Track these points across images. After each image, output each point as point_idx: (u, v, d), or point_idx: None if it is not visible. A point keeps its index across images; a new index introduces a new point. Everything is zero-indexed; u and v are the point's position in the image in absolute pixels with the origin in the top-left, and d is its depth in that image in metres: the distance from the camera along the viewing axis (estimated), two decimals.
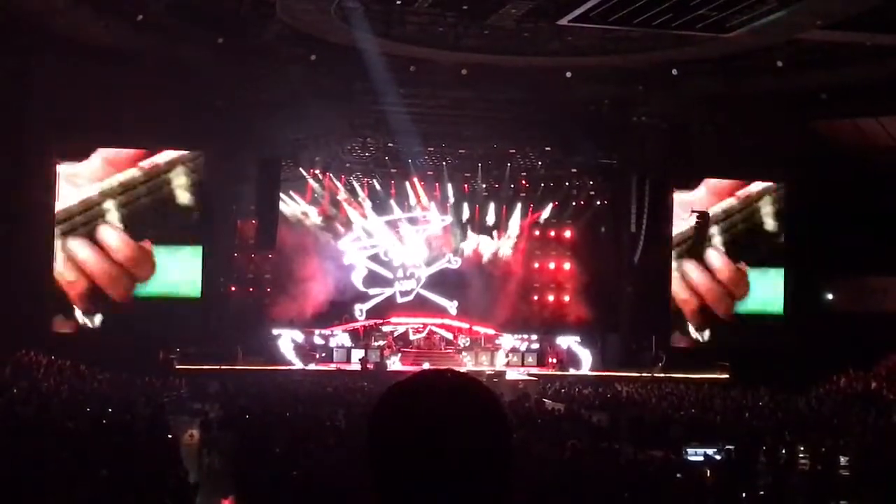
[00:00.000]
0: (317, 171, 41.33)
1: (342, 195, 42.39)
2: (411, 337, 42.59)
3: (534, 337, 42.88)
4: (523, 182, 43.62)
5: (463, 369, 39.32)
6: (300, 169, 40.95)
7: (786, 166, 41.53)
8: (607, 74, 37.14)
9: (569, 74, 37.68)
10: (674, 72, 37.75)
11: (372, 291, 43.08)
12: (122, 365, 32.42)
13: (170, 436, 22.98)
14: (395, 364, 39.29)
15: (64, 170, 37.49)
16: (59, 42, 33.30)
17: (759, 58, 36.13)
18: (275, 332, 39.65)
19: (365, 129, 40.39)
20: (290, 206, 41.81)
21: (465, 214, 43.86)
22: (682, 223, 43.42)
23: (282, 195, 40.19)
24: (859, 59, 35.82)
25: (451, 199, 43.28)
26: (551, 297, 45.66)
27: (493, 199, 43.92)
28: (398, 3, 32.94)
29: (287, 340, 39.54)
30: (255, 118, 37.30)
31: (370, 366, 38.49)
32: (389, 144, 40.81)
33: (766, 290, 43.92)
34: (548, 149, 41.86)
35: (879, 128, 40.34)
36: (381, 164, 41.72)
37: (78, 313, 38.06)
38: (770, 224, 43.87)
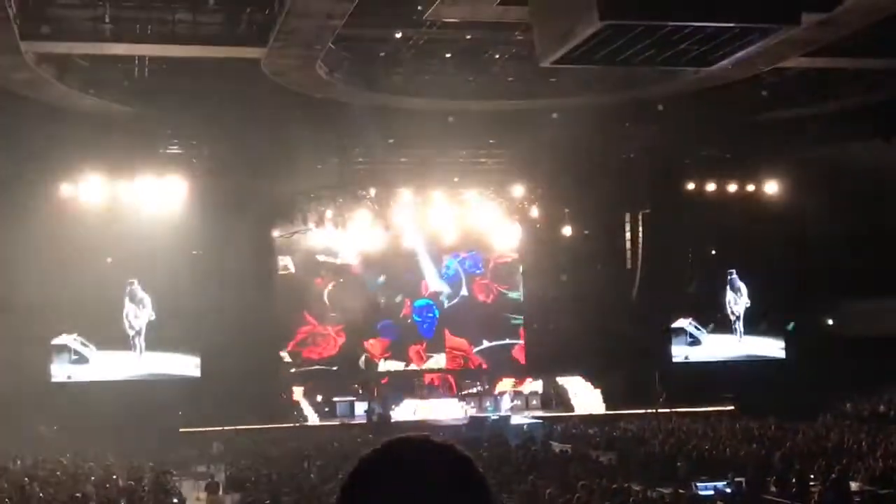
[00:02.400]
0: (310, 224, 41.37)
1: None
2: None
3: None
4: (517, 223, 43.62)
5: (468, 414, 39.37)
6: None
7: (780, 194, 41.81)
8: (594, 113, 37.28)
9: (555, 115, 37.87)
10: (659, 107, 37.94)
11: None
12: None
13: (176, 500, 22.83)
14: (398, 413, 39.15)
15: None
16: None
17: (743, 89, 36.33)
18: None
19: (355, 181, 40.47)
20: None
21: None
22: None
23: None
24: (841, 85, 36.07)
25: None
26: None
27: None
28: (382, 55, 33.14)
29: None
30: (247, 176, 37.57)
31: (374, 417, 38.34)
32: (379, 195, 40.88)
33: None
34: (539, 191, 41.94)
35: (863, 151, 40.51)
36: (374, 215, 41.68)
37: None
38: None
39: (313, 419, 39.10)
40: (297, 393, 40.66)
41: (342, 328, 42.61)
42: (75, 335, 39.21)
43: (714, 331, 45.30)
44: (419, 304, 44.00)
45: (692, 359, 44.67)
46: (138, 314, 40.48)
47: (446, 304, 44.04)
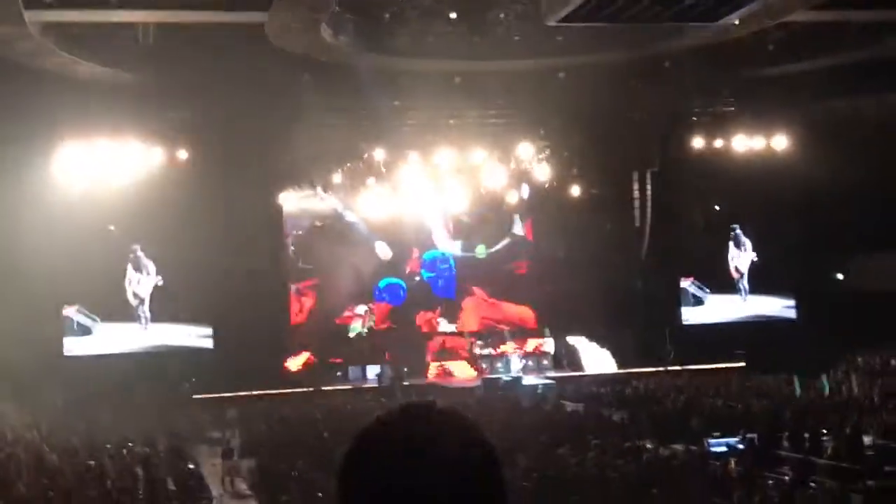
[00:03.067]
0: (318, 189, 41.30)
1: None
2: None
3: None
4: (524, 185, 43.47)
5: (480, 376, 39.49)
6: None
7: (790, 148, 41.64)
8: (600, 72, 37.08)
9: (562, 75, 37.70)
10: (666, 64, 37.74)
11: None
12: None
13: (192, 466, 22.98)
14: (411, 377, 39.25)
15: None
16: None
17: (750, 43, 36.09)
18: None
19: (362, 144, 40.36)
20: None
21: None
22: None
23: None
24: (848, 38, 35.83)
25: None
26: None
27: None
28: (386, 16, 32.97)
29: None
30: (254, 142, 37.51)
31: (384, 383, 38.43)
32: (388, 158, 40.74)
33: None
34: (547, 151, 41.81)
35: (872, 106, 40.29)
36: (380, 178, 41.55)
37: None
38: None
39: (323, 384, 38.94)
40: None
41: (311, 286, 42.27)
42: (77, 306, 38.88)
43: (717, 290, 45.03)
44: (429, 257, 43.51)
45: (694, 321, 44.33)
46: (142, 281, 40.05)
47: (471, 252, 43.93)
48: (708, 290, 44.93)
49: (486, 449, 1.96)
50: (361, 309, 42.36)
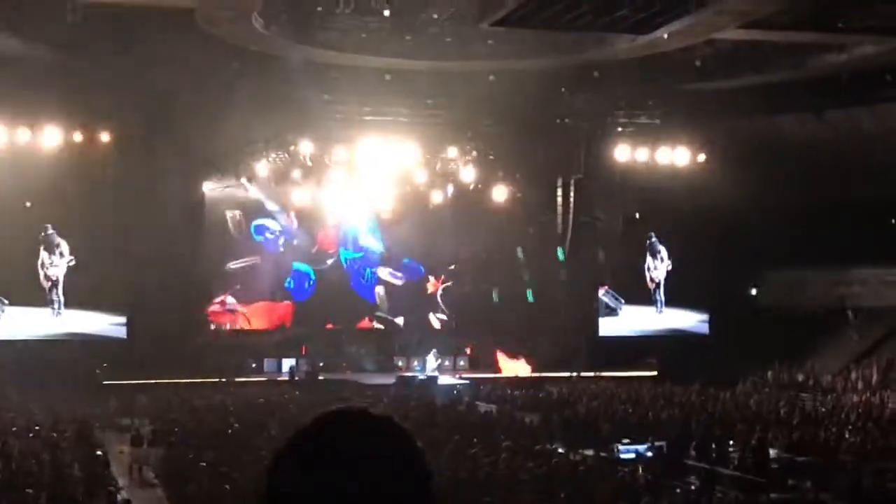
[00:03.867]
0: (242, 180, 40.95)
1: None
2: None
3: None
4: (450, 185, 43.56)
5: (396, 374, 39.48)
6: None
7: (711, 162, 42.22)
8: (530, 77, 37.32)
9: (492, 78, 37.87)
10: (595, 73, 38.09)
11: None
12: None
13: (99, 452, 22.66)
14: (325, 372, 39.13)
15: None
16: None
17: (678, 58, 36.58)
18: None
19: (289, 136, 40.13)
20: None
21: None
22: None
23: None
24: (774, 58, 36.48)
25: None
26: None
27: None
28: (319, 9, 32.82)
29: None
30: (179, 129, 37.09)
31: (298, 377, 38.26)
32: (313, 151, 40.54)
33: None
34: (474, 153, 41.95)
35: (794, 125, 41.09)
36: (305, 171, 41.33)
37: None
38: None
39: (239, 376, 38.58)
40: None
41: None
42: None
43: (633, 301, 44.84)
44: (348, 256, 43.64)
45: (608, 333, 44.11)
46: (56, 262, 38.80)
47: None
48: (623, 301, 44.85)
49: (420, 460, 1.94)
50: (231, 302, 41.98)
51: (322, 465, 1.86)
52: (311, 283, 42.70)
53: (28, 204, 37.40)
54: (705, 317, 44.87)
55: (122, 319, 38.63)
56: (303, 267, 42.64)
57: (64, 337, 38.23)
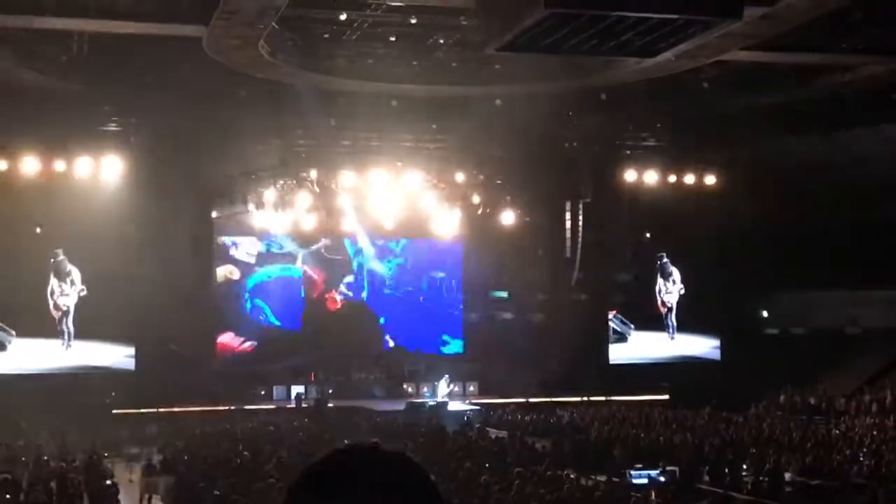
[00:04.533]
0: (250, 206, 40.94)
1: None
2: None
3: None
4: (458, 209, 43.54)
5: (405, 400, 39.35)
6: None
7: (720, 184, 42.16)
8: (537, 101, 37.34)
9: (498, 102, 37.88)
10: (602, 96, 38.10)
11: None
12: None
13: (108, 481, 22.57)
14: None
15: None
16: None
17: (685, 80, 36.59)
18: None
19: (296, 163, 40.16)
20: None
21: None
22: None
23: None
24: (781, 79, 36.48)
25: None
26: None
27: None
28: (326, 36, 32.90)
29: None
30: (186, 156, 37.14)
31: (305, 403, 38.15)
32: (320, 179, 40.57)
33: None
34: (481, 177, 41.96)
35: (801, 146, 41.03)
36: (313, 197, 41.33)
37: None
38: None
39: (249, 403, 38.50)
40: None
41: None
42: None
43: (644, 326, 44.42)
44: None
45: (618, 360, 43.69)
46: (66, 291, 38.09)
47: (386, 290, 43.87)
48: (632, 326, 44.40)
49: (434, 495, 1.92)
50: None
51: (336, 498, 1.83)
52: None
53: (38, 230, 37.01)
54: (717, 343, 44.43)
55: (131, 350, 38.27)
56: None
57: (74, 370, 37.55)
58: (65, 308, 38.16)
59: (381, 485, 1.86)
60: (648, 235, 43.95)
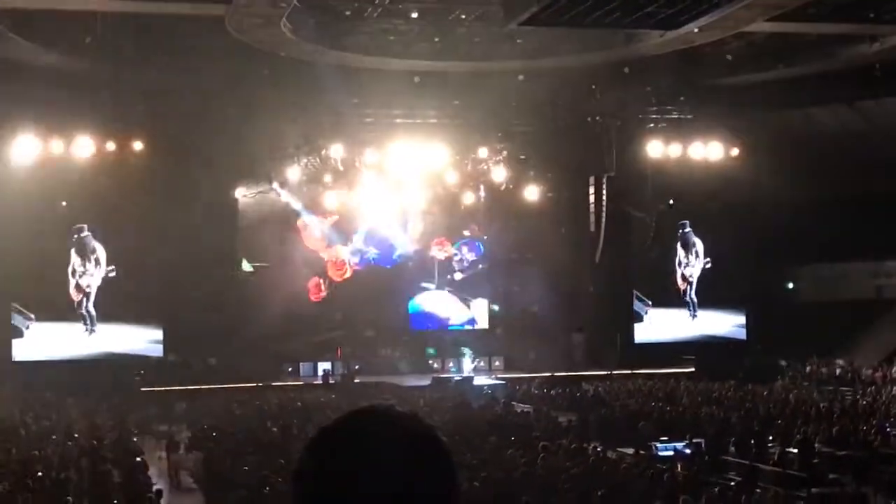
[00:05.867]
0: (274, 185, 41.02)
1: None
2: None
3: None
4: (480, 186, 43.56)
5: (431, 375, 39.51)
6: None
7: (745, 157, 41.94)
8: (560, 75, 37.24)
9: (521, 77, 37.80)
10: (625, 70, 37.96)
11: None
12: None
13: (138, 458, 22.77)
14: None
15: None
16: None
17: (708, 52, 36.42)
18: None
19: (320, 140, 40.22)
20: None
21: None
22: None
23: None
24: (805, 50, 36.27)
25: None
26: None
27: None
28: (347, 13, 32.90)
29: None
30: (210, 135, 37.21)
31: (332, 379, 38.33)
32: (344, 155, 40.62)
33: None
34: (505, 153, 41.92)
35: (826, 116, 40.79)
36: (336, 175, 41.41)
37: None
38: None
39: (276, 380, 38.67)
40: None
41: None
42: (13, 303, 36.20)
43: (663, 304, 43.79)
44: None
45: (641, 339, 43.16)
46: (90, 271, 36.77)
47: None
48: (649, 303, 43.80)
49: (442, 456, 1.96)
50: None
51: (346, 461, 1.89)
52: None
53: (64, 203, 36.41)
54: (742, 320, 43.94)
55: (159, 334, 37.83)
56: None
57: (98, 356, 36.77)
58: (87, 288, 37.04)
59: (391, 440, 1.91)
60: (672, 202, 43.39)
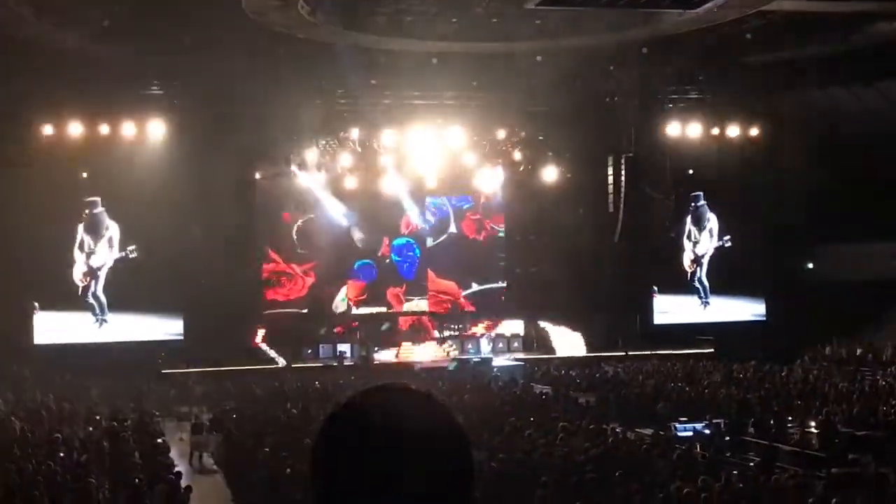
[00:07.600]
0: (292, 167, 41.03)
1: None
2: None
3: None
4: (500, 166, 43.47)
5: (449, 356, 39.60)
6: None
7: (764, 136, 41.71)
8: (578, 56, 37.08)
9: (539, 58, 37.67)
10: (644, 50, 37.78)
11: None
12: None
13: (159, 440, 22.92)
14: (381, 356, 39.36)
15: None
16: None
17: (728, 31, 36.19)
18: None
19: (338, 122, 40.22)
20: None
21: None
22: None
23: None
24: (826, 29, 35.99)
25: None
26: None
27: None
28: None
29: None
30: (228, 118, 37.23)
31: (347, 362, 38.39)
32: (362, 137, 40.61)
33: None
34: (523, 134, 41.84)
35: (846, 96, 40.52)
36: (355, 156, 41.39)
37: None
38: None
39: (280, 362, 38.63)
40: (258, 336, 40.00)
41: (311, 268, 42.07)
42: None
43: (667, 290, 43.52)
44: (398, 243, 43.43)
45: (664, 320, 42.74)
46: (100, 251, 34.79)
47: (430, 243, 43.68)
48: (655, 289, 43.45)
49: (456, 432, 1.99)
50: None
51: (361, 439, 1.92)
52: (375, 271, 42.89)
53: (84, 174, 35.38)
54: (761, 309, 43.61)
55: (179, 324, 37.16)
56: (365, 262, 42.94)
57: (116, 342, 35.57)
58: (97, 268, 34.94)
59: (405, 417, 1.94)
60: (691, 172, 42.99)
